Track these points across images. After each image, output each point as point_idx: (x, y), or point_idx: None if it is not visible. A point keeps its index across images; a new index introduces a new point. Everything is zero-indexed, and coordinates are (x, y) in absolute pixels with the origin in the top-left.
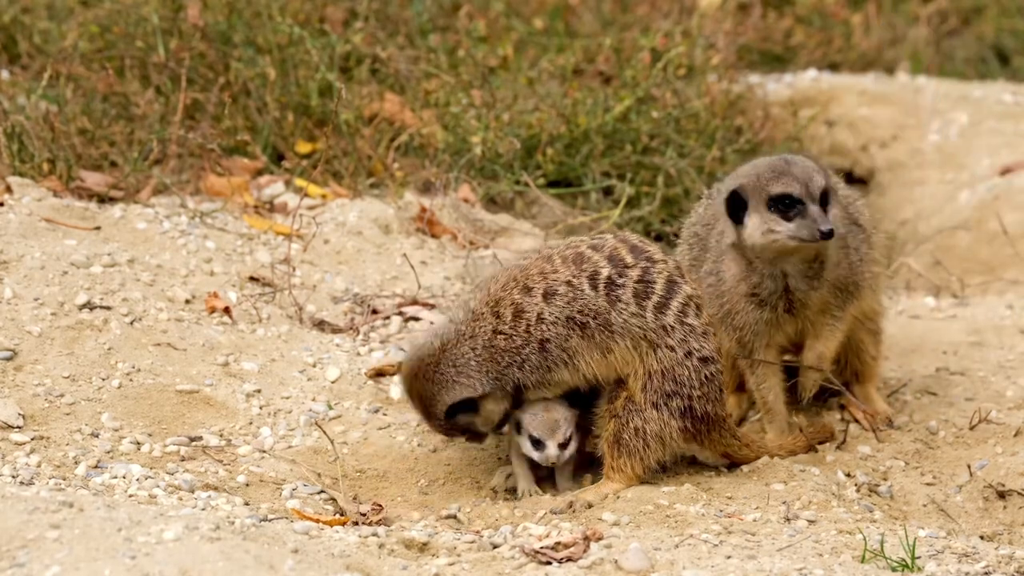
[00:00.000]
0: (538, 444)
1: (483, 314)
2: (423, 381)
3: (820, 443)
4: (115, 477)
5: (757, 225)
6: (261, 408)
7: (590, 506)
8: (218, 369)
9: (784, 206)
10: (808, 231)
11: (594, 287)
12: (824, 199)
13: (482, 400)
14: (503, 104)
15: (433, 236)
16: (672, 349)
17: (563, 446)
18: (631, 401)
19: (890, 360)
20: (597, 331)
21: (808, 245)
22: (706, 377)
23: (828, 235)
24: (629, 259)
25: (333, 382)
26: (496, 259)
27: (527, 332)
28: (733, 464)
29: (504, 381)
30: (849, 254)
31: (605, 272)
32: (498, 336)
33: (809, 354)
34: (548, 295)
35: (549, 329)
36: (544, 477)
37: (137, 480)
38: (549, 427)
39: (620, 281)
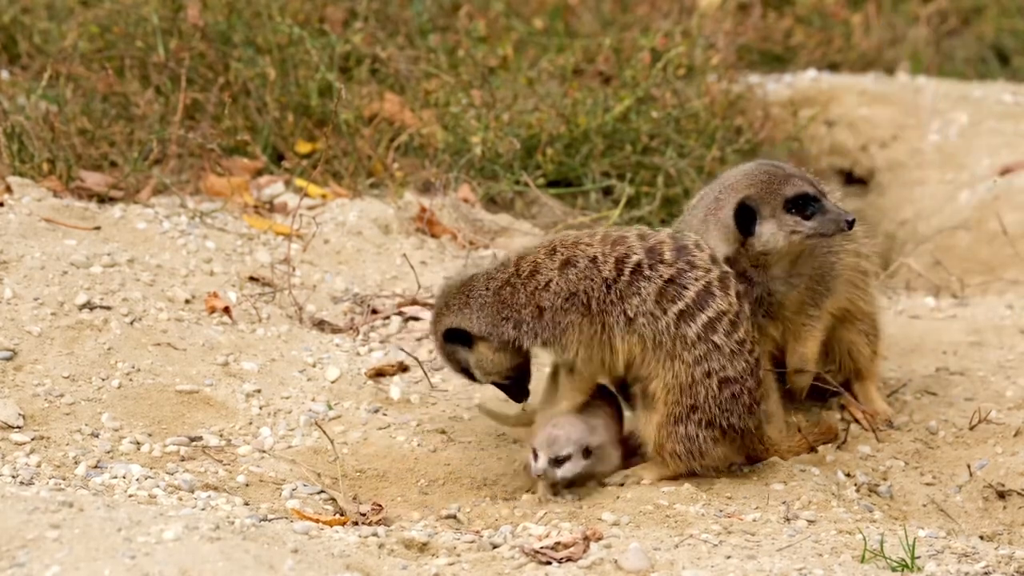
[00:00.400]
0: (535, 456)
1: (510, 263)
2: (440, 298)
3: (825, 443)
4: (115, 477)
5: (774, 230)
6: (261, 408)
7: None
8: (218, 369)
9: (801, 206)
10: (833, 224)
11: (619, 271)
12: None
13: (478, 340)
14: (503, 104)
15: (433, 236)
16: (689, 365)
17: (557, 462)
18: (663, 416)
19: (890, 360)
20: (598, 316)
21: (824, 239)
22: (732, 396)
23: (853, 224)
24: (668, 256)
25: (333, 382)
26: (496, 259)
27: (532, 294)
28: (749, 459)
29: (501, 332)
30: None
31: (636, 258)
32: (507, 287)
33: (792, 357)
34: (566, 264)
35: (550, 299)
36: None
37: (137, 480)
38: (547, 442)
39: (648, 273)
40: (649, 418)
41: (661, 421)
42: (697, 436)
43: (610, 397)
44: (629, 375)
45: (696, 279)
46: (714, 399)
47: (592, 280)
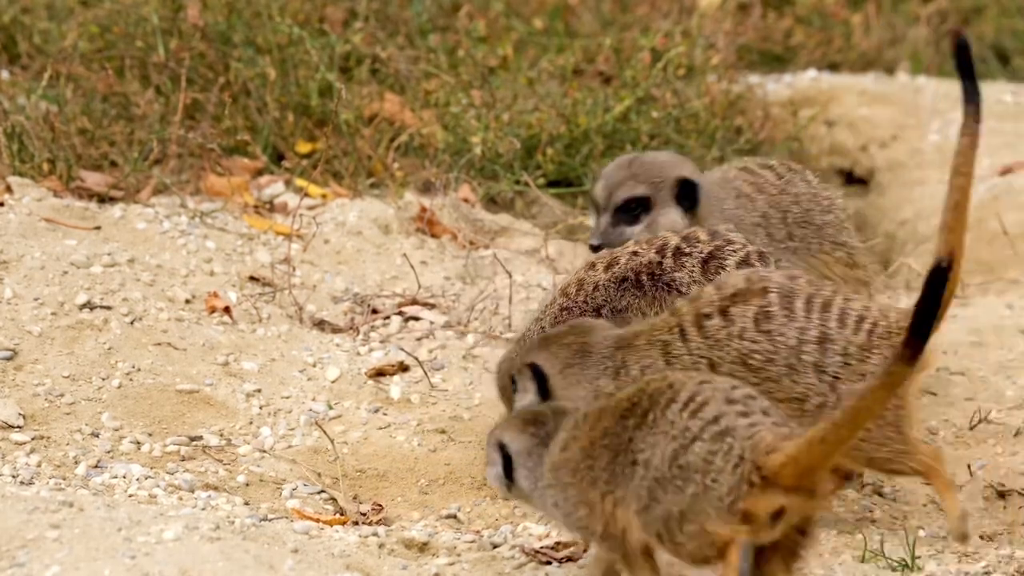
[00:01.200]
0: None
1: (554, 299)
2: (500, 366)
3: None
4: (115, 477)
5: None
6: (261, 408)
7: None
8: (218, 369)
9: (594, 210)
10: (591, 239)
11: (662, 254)
12: (631, 207)
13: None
14: (503, 104)
15: (433, 236)
16: None
17: None
18: None
19: None
20: (651, 289)
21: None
22: None
23: (594, 248)
24: (703, 237)
25: (333, 382)
26: (496, 259)
27: (584, 302)
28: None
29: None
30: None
31: (674, 243)
32: (563, 312)
33: None
34: (610, 266)
35: (602, 294)
36: None
37: (137, 480)
38: None
39: (688, 250)
40: None
41: None
42: None
43: None
44: None
45: (734, 251)
46: None
47: (640, 262)
